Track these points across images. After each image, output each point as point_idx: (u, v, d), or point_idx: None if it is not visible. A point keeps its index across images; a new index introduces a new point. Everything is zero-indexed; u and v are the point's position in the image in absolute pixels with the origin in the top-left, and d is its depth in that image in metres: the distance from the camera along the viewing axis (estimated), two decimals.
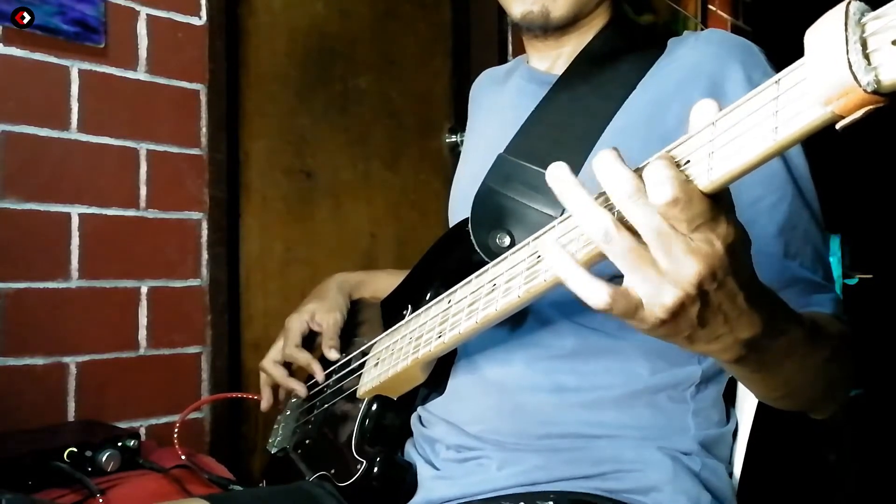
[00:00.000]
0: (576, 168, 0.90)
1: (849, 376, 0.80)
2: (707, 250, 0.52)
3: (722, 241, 0.53)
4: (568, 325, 0.90)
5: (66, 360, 1.51)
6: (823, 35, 0.40)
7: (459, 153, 1.29)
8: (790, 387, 0.75)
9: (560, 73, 1.01)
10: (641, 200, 0.52)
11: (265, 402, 1.21)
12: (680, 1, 3.12)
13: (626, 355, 0.89)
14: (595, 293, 0.54)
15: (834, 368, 0.76)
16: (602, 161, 0.54)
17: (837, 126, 0.42)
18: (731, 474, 0.93)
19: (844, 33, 0.38)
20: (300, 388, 1.16)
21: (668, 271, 0.53)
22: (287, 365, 1.19)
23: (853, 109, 0.40)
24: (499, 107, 1.11)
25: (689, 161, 0.51)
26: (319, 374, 1.13)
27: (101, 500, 1.10)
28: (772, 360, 0.67)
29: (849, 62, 0.38)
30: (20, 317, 1.44)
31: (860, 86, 0.39)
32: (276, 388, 1.21)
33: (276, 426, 1.26)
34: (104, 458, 1.20)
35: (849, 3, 0.40)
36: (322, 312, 1.18)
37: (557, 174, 0.57)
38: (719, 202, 0.52)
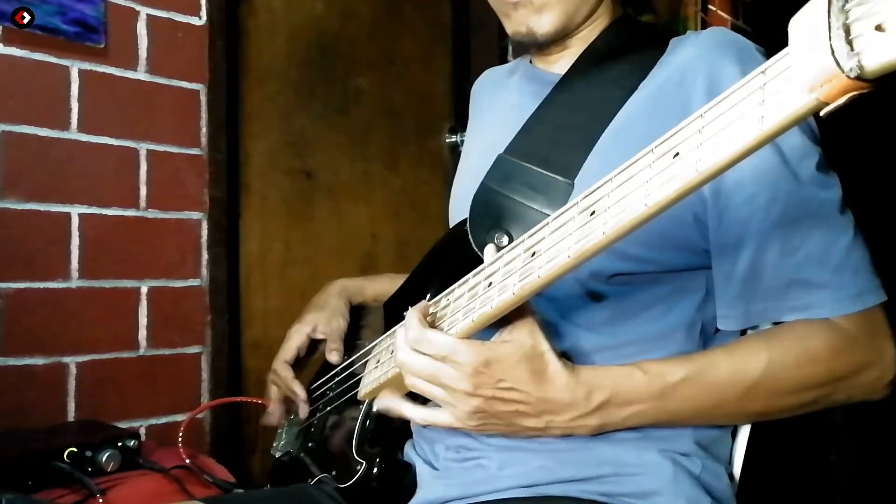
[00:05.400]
0: (576, 167, 0.90)
1: (838, 380, 0.80)
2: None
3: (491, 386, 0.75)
4: (564, 325, 0.90)
5: (66, 360, 1.51)
6: (807, 23, 0.40)
7: (459, 153, 1.29)
8: (740, 417, 0.86)
9: (563, 73, 1.00)
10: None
11: (274, 417, 1.22)
12: (680, 1, 3.12)
13: (623, 355, 0.89)
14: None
15: (799, 390, 0.79)
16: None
17: (822, 113, 0.41)
18: (730, 475, 0.92)
19: (827, 20, 0.38)
20: (276, 411, 1.19)
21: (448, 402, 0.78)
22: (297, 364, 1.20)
23: (837, 95, 0.39)
24: (500, 107, 1.11)
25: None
26: (301, 395, 1.15)
27: (101, 500, 1.10)
28: (647, 417, 0.80)
29: (831, 48, 0.38)
30: (20, 317, 1.44)
31: (843, 72, 0.38)
32: (284, 399, 1.22)
33: (279, 430, 1.26)
34: (104, 458, 1.20)
35: None
36: (324, 321, 1.19)
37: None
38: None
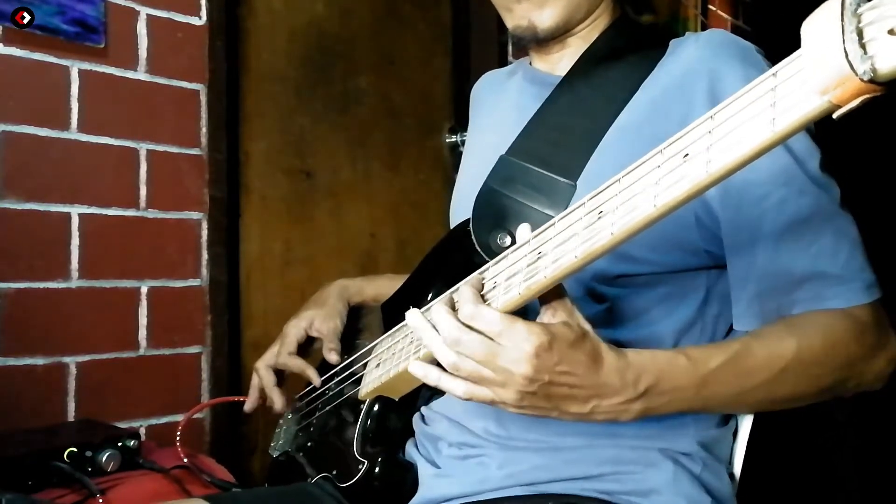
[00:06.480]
0: (578, 169, 0.90)
1: (852, 365, 0.80)
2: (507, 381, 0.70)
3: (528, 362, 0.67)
4: None
5: (66, 360, 1.51)
6: (820, 26, 0.40)
7: (460, 153, 1.29)
8: (764, 403, 0.82)
9: (563, 74, 1.01)
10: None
11: (249, 403, 1.21)
12: (680, 1, 3.12)
13: None
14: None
15: (823, 375, 0.79)
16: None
17: (834, 115, 0.42)
18: (731, 475, 0.92)
19: (840, 23, 0.38)
20: (279, 401, 1.17)
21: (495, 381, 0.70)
22: (282, 371, 1.19)
23: (850, 98, 0.40)
24: (501, 108, 1.11)
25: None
26: (316, 380, 1.14)
27: (101, 500, 1.10)
28: (684, 403, 0.76)
29: (845, 51, 0.39)
30: (20, 317, 1.44)
31: (857, 75, 0.39)
32: (264, 391, 1.21)
33: (278, 429, 1.26)
34: (104, 458, 1.19)
35: None
36: (321, 319, 1.19)
37: (413, 322, 0.74)
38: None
